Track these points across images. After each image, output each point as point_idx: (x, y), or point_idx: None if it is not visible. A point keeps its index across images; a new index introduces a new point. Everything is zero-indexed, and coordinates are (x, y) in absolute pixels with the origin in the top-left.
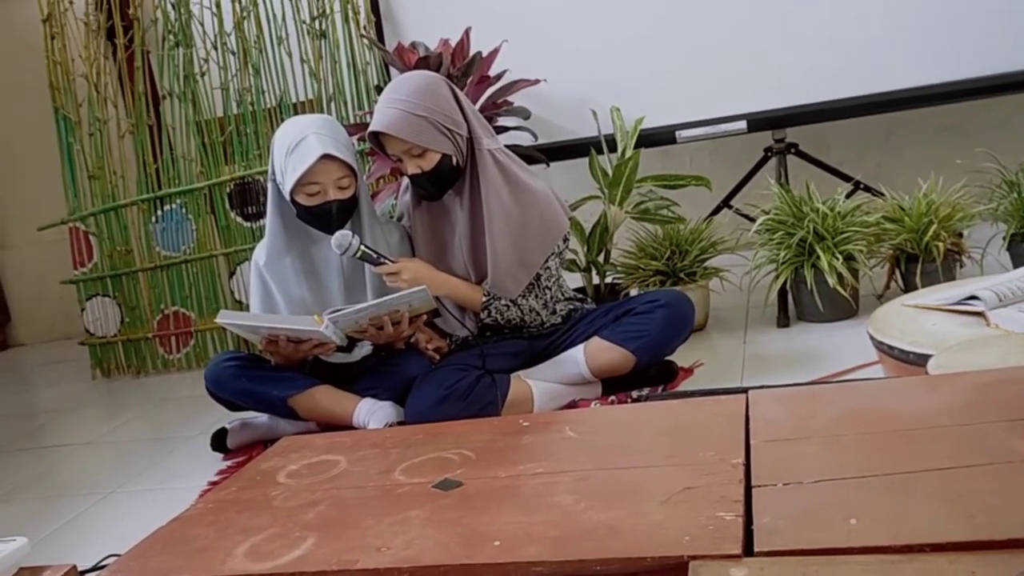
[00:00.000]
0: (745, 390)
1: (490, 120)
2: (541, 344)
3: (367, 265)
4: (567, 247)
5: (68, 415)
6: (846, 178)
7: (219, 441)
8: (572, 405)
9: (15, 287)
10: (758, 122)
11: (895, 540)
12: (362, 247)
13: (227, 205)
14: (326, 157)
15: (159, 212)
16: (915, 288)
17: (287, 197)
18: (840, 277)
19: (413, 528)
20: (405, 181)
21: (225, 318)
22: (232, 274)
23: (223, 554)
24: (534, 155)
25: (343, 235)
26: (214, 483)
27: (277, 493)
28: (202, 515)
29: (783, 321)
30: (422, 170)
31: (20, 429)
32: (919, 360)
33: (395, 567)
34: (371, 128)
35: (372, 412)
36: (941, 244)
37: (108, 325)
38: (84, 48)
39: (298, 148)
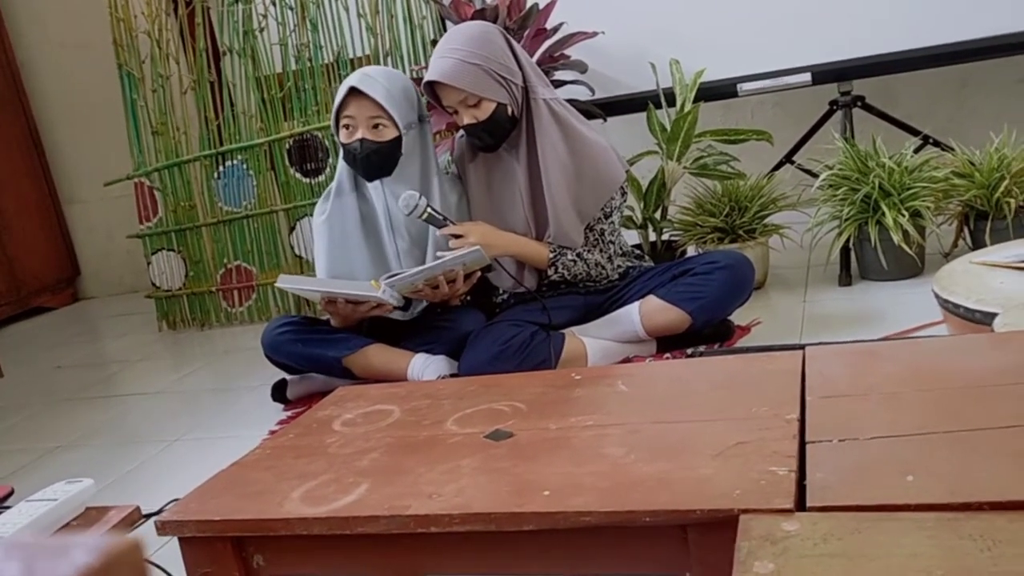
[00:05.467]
0: (802, 347)
1: (547, 74)
2: (597, 300)
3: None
4: (625, 201)
5: (136, 365)
6: (914, 132)
7: (279, 392)
8: (626, 362)
9: (84, 241)
10: (823, 74)
11: (953, 497)
12: (428, 209)
13: (287, 161)
14: (354, 91)
15: (221, 168)
16: (984, 246)
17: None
18: (906, 234)
19: (464, 476)
20: (458, 141)
21: (284, 282)
22: (292, 229)
23: (280, 497)
24: (591, 109)
25: (411, 195)
26: (274, 432)
27: (333, 440)
28: (260, 460)
29: (845, 279)
30: (477, 120)
31: (91, 378)
32: (985, 319)
33: (446, 513)
34: (426, 78)
35: (426, 366)
36: (1013, 201)
37: (173, 279)
38: (146, 5)
39: (341, 86)
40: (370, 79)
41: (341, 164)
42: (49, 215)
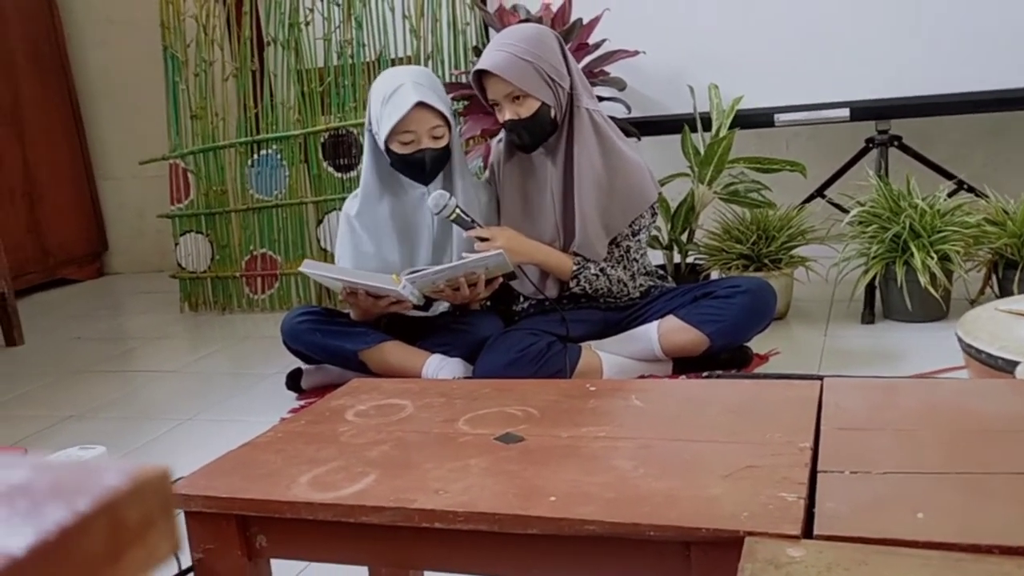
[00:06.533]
0: (821, 377)
1: None
2: (616, 316)
3: (455, 226)
4: (654, 221)
5: (155, 343)
6: (949, 176)
7: (294, 381)
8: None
9: (115, 218)
10: (862, 111)
11: (962, 538)
12: (457, 209)
13: (320, 155)
14: (420, 105)
15: (255, 156)
16: (1011, 295)
17: (382, 146)
18: (933, 277)
19: (472, 476)
20: (497, 143)
21: (308, 267)
22: (320, 222)
23: (288, 481)
24: (627, 128)
25: (441, 195)
26: (286, 420)
27: (344, 430)
28: (271, 443)
29: (868, 317)
30: (519, 117)
31: (109, 352)
32: (1007, 366)
33: (451, 510)
34: (477, 67)
35: (441, 367)
36: None
37: (199, 261)
38: None
39: (393, 96)
40: (425, 89)
41: (369, 166)
42: (82, 188)
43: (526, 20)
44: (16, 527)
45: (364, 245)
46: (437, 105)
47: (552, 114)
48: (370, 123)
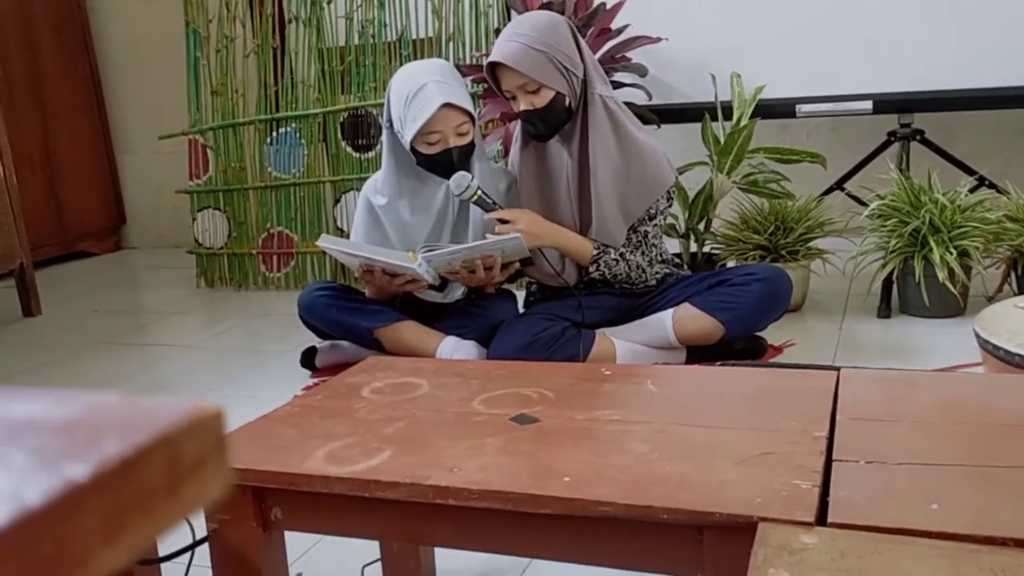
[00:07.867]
0: (838, 368)
1: (606, 74)
2: (631, 303)
3: (473, 211)
4: (670, 206)
5: (170, 318)
6: (971, 171)
7: (309, 359)
8: None
9: (133, 192)
10: (885, 104)
11: (976, 530)
12: (479, 191)
13: (339, 134)
14: (446, 106)
15: (274, 134)
16: None
17: (406, 146)
18: (951, 273)
19: (487, 455)
20: (517, 131)
21: (326, 242)
22: (337, 202)
23: (303, 454)
24: (646, 115)
25: (463, 176)
26: (302, 395)
27: (360, 406)
28: (287, 417)
29: (884, 312)
30: (535, 107)
31: (125, 325)
32: None
33: (465, 488)
34: (490, 59)
35: (455, 349)
36: None
37: (216, 237)
38: None
39: (417, 97)
40: (448, 87)
41: (390, 162)
42: (102, 162)
43: (548, 4)
44: (77, 457)
45: (387, 233)
46: (462, 103)
47: (567, 103)
48: (389, 120)
